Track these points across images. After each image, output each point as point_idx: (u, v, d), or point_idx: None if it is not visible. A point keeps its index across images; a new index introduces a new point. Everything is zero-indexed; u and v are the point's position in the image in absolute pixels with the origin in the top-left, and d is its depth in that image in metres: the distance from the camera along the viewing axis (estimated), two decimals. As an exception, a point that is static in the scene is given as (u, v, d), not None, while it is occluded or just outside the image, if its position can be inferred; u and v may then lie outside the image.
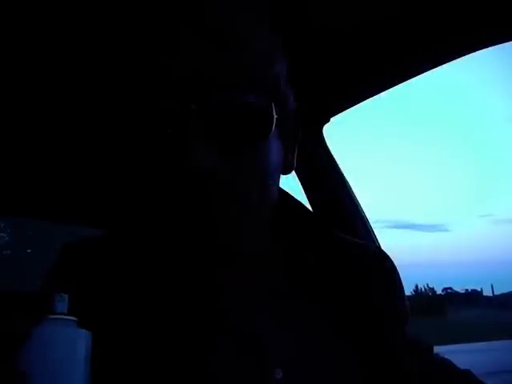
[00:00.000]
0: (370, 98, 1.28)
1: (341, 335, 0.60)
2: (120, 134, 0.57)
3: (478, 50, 1.03)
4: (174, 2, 0.57)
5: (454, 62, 1.07)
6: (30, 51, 0.97)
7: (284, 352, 0.57)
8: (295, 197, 0.69)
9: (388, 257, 0.72)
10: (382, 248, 0.81)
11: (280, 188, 0.63)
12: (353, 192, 1.45)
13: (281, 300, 0.60)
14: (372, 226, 1.45)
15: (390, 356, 0.62)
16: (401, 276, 0.72)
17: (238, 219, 0.54)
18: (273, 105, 0.55)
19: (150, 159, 0.54)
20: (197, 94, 0.52)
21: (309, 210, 0.70)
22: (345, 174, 1.46)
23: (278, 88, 0.58)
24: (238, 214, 0.54)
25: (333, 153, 1.45)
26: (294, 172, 0.68)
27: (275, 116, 0.55)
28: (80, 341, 0.46)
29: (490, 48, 1.02)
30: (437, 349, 0.75)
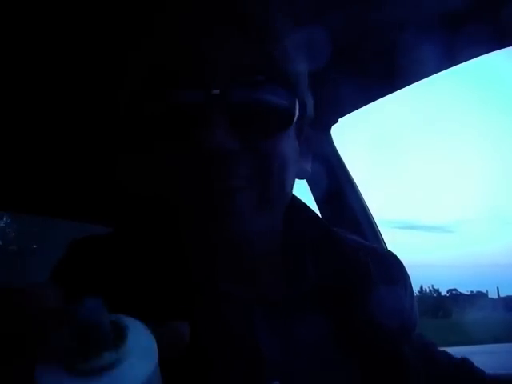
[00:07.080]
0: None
1: (342, 346, 0.58)
2: (134, 121, 0.56)
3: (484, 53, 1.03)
4: None
5: (463, 64, 1.08)
6: (30, 48, 0.97)
7: (282, 362, 0.55)
8: (300, 196, 0.69)
9: (397, 258, 0.71)
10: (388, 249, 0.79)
11: None
12: (359, 192, 1.45)
13: (280, 309, 0.58)
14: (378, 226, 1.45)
15: (393, 367, 0.60)
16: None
17: (256, 208, 0.53)
18: (296, 100, 0.55)
19: (167, 143, 0.53)
20: (221, 81, 0.52)
21: (314, 211, 0.68)
22: (351, 174, 1.46)
23: (301, 87, 0.57)
24: (256, 202, 0.53)
25: (340, 152, 1.45)
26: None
27: (297, 109, 0.55)
28: None
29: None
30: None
